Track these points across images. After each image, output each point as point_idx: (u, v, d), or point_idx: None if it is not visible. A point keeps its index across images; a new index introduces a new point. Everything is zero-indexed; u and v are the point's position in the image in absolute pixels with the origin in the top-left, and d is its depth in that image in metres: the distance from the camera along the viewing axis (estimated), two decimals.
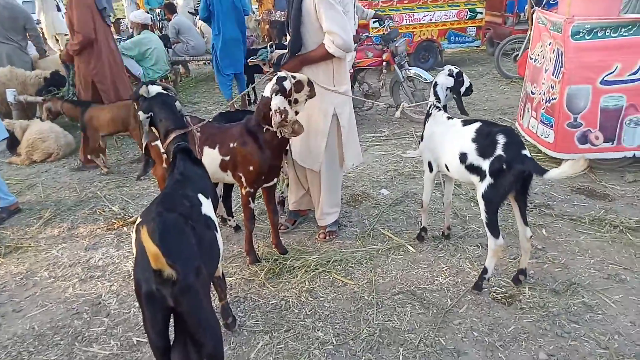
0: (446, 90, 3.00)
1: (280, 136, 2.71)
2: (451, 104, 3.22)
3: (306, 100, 2.78)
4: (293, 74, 2.71)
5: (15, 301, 2.85)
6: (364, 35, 5.61)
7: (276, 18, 10.05)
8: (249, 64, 6.48)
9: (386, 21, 5.82)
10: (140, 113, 2.12)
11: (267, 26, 10.56)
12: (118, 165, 5.03)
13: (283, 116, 2.58)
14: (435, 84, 3.02)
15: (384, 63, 5.61)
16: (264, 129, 2.76)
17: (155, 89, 2.19)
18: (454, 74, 3.00)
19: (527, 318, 2.46)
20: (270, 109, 2.61)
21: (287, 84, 2.64)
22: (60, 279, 3.04)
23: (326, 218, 3.34)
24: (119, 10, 17.02)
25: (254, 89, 7.06)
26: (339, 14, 2.85)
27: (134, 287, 1.56)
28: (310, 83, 2.74)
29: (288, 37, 3.15)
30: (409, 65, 5.77)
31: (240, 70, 6.46)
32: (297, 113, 2.75)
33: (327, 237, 3.33)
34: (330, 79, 3.05)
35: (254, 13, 11.60)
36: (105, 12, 4.76)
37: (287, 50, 3.05)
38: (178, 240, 1.53)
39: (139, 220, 1.68)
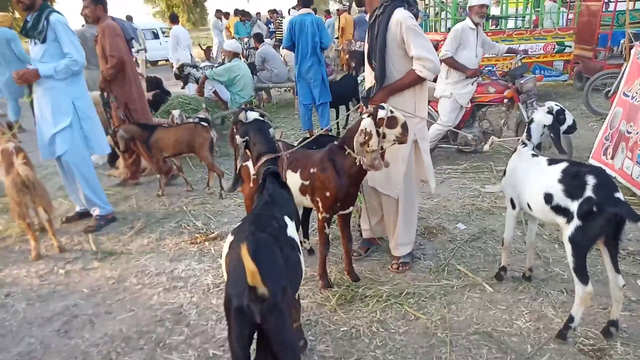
0: (543, 128, 2.89)
1: (358, 164, 2.77)
2: None
3: (394, 142, 2.78)
4: (393, 109, 2.74)
5: (107, 303, 3.10)
6: (486, 69, 5.29)
7: (356, 49, 10.29)
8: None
9: (518, 55, 5.56)
10: (237, 137, 2.27)
11: (347, 56, 10.83)
12: (203, 183, 5.33)
13: (366, 138, 2.65)
14: (532, 121, 2.93)
15: (505, 100, 5.25)
16: (346, 153, 2.83)
17: (253, 115, 2.35)
18: (554, 112, 2.87)
19: None
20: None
21: (381, 113, 2.69)
22: (147, 286, 3.27)
23: (400, 249, 3.31)
24: (208, 38, 18.30)
25: (347, 117, 7.22)
26: (426, 40, 2.95)
27: (224, 302, 1.65)
28: (405, 127, 2.73)
29: (367, 68, 3.22)
30: (538, 105, 5.44)
31: (322, 100, 6.40)
32: (382, 149, 2.79)
33: (400, 269, 3.30)
34: (413, 105, 3.08)
35: (334, 43, 11.94)
36: (131, 42, 5.09)
37: (373, 82, 3.09)
38: (269, 259, 1.61)
39: (231, 237, 1.78)
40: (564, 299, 2.88)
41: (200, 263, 3.54)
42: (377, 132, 2.70)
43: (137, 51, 8.81)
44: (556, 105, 2.90)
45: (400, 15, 2.89)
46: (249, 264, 1.38)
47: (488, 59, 7.98)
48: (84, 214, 4.39)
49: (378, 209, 3.42)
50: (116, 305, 3.08)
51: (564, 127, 2.89)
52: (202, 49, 12.38)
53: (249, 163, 2.45)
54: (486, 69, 5.35)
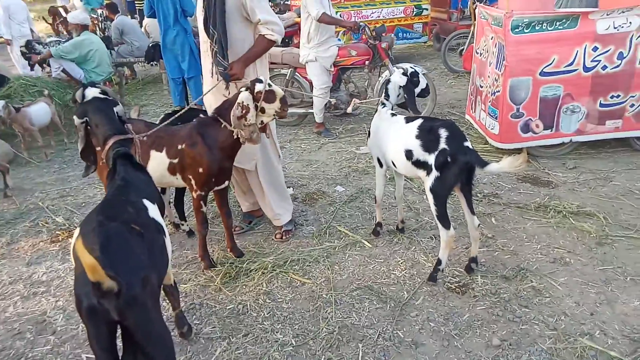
0: (399, 89, 3.02)
1: (235, 137, 2.66)
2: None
3: (274, 117, 2.75)
4: (270, 82, 2.66)
5: None
6: (362, 24, 5.22)
7: None
8: None
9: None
10: (75, 118, 2.01)
11: None
12: (61, 173, 4.78)
13: (243, 112, 2.57)
14: (388, 81, 3.04)
15: (366, 62, 5.35)
16: (221, 125, 2.70)
17: (91, 93, 2.08)
18: (408, 74, 3.01)
19: (480, 305, 2.54)
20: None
21: (258, 86, 2.61)
22: None
23: (280, 218, 3.31)
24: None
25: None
26: (267, 3, 2.93)
27: (75, 303, 1.47)
28: (284, 101, 2.68)
29: (201, 36, 3.03)
30: (395, 66, 5.44)
31: (192, 74, 5.96)
32: (262, 123, 2.72)
33: (284, 237, 3.30)
34: (255, 71, 3.02)
35: None
36: None
37: (215, 51, 2.90)
38: (121, 250, 1.45)
39: (77, 231, 1.58)
40: (433, 245, 3.12)
41: (64, 263, 3.18)
42: (255, 106, 2.62)
43: None
44: (411, 67, 3.06)
45: None
46: (86, 258, 1.23)
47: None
48: None
49: (244, 184, 3.36)
50: None
51: (417, 90, 3.05)
52: (47, 22, 10.92)
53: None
54: (362, 24, 5.23)
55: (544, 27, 3.91)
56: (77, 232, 1.59)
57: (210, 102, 3.08)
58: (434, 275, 2.73)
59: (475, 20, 5.35)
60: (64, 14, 11.20)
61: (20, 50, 7.29)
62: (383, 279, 2.82)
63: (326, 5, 4.96)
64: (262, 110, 2.67)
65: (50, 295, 2.86)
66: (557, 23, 3.87)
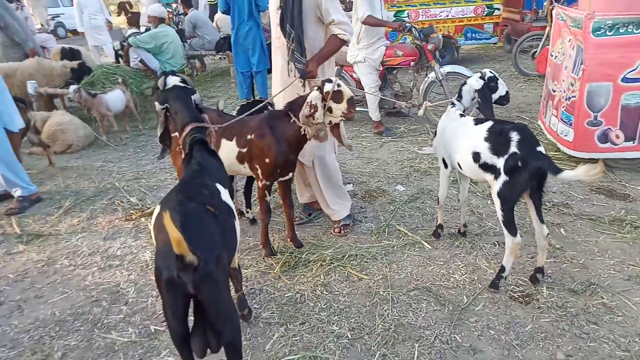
0: (474, 92, 2.94)
1: (302, 133, 2.73)
2: None
3: (342, 118, 2.76)
4: (341, 83, 2.69)
5: (37, 287, 2.91)
6: (407, 25, 5.10)
7: None
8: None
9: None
10: (156, 104, 2.14)
11: None
12: (135, 157, 5.08)
13: (312, 111, 2.63)
14: (464, 83, 2.99)
15: (412, 63, 5.28)
16: (291, 120, 2.78)
17: (172, 81, 2.21)
18: (485, 78, 2.90)
19: (544, 318, 2.44)
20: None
21: (327, 87, 2.65)
22: (79, 267, 3.10)
23: (338, 212, 3.34)
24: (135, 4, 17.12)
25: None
26: (339, 3, 2.98)
27: (154, 274, 1.58)
28: (351, 103, 2.69)
29: (274, 34, 3.10)
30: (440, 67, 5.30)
31: (261, 68, 6.11)
32: (330, 123, 2.77)
33: (342, 232, 3.34)
34: (321, 69, 3.07)
35: None
36: None
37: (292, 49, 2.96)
38: (198, 228, 1.54)
39: (158, 208, 1.69)
40: (496, 251, 3.04)
41: (136, 240, 3.39)
42: (324, 105, 2.67)
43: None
44: (490, 72, 2.93)
45: None
46: (173, 232, 1.32)
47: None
48: (4, 196, 4.06)
49: (306, 175, 3.42)
50: (47, 288, 2.90)
51: (495, 96, 2.93)
52: (124, 15, 11.57)
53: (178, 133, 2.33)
54: (408, 25, 5.11)
55: (629, 30, 3.68)
56: (157, 208, 1.70)
57: (279, 97, 3.16)
58: (496, 282, 2.66)
59: (551, 21, 5.11)
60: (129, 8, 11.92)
61: (115, 51, 7.89)
62: (442, 282, 2.79)
63: (376, 7, 4.91)
64: (330, 110, 2.71)
65: (124, 269, 3.06)
66: None
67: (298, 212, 3.61)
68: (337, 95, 2.67)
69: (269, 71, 6.70)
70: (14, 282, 2.97)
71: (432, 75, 5.23)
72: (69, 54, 6.80)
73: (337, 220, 3.37)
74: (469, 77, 4.64)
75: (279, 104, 3.12)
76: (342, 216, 3.36)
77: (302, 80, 3.00)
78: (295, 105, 2.80)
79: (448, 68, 5.25)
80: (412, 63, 5.31)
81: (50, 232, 3.56)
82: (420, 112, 3.26)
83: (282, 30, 2.96)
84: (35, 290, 2.88)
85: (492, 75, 2.92)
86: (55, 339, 2.47)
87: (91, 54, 8.11)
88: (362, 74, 5.24)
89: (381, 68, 5.28)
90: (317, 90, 2.67)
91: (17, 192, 3.92)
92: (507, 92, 2.96)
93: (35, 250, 3.33)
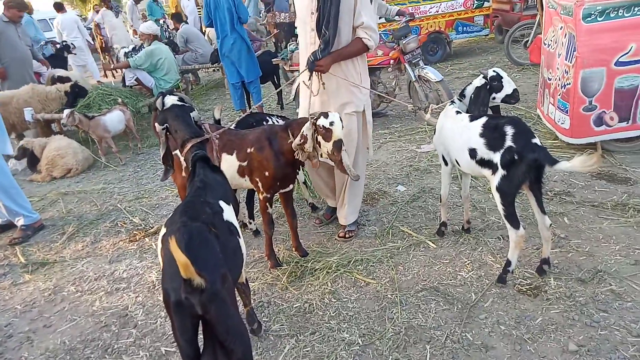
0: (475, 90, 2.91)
1: (296, 156, 2.75)
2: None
3: (327, 157, 2.72)
4: (336, 122, 2.62)
5: (45, 317, 2.91)
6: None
7: (281, 20, 10.06)
8: (273, 62, 6.48)
9: (404, 17, 5.44)
10: (157, 125, 2.15)
11: (275, 29, 10.57)
12: (135, 176, 5.10)
13: (302, 141, 2.63)
14: (469, 84, 2.97)
15: (392, 61, 5.35)
16: (289, 140, 2.77)
17: (170, 100, 2.23)
18: (488, 76, 2.87)
19: (554, 309, 2.43)
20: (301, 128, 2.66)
21: (320, 121, 2.61)
22: (87, 293, 3.10)
23: (348, 217, 3.35)
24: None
25: (279, 94, 7.05)
26: (372, 9, 2.90)
27: (162, 297, 1.58)
28: (337, 146, 2.62)
29: (305, 38, 3.06)
30: (424, 64, 5.36)
31: (251, 78, 6.21)
32: (321, 155, 2.73)
33: (347, 236, 3.34)
34: (358, 76, 3.07)
35: (261, 17, 11.59)
36: None
37: (320, 47, 2.91)
38: (203, 248, 1.55)
39: (163, 230, 1.70)
40: (501, 245, 3.03)
41: (142, 261, 3.40)
42: (315, 138, 2.65)
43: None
44: (494, 71, 2.88)
45: None
46: (180, 257, 1.32)
47: (383, 24, 7.97)
48: (7, 226, 4.07)
49: (332, 182, 3.41)
50: (55, 317, 2.90)
51: (500, 95, 2.89)
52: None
53: (179, 152, 2.34)
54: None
55: (620, 14, 3.67)
56: (163, 230, 1.70)
57: (301, 98, 3.20)
58: (503, 276, 2.65)
59: (542, 9, 5.10)
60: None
61: (124, 53, 8.05)
62: (449, 280, 2.78)
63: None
64: (319, 145, 2.69)
65: (131, 291, 3.07)
66: (636, 8, 3.62)
67: (321, 213, 3.69)
68: (326, 133, 2.61)
69: (262, 80, 6.80)
70: (22, 313, 2.97)
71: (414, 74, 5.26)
72: (59, 82, 6.83)
73: (344, 225, 3.38)
74: (437, 80, 4.56)
75: (302, 110, 3.21)
76: (350, 222, 3.36)
77: (309, 73, 2.95)
78: (295, 124, 2.80)
79: (424, 70, 5.20)
80: (391, 62, 5.34)
81: (55, 259, 3.57)
82: (428, 116, 3.24)
83: (318, 32, 2.89)
84: (44, 320, 2.88)
85: (494, 74, 2.87)
86: None
87: (84, 76, 8.20)
88: None
89: None
90: (313, 120, 2.64)
91: (20, 221, 3.93)
92: (514, 90, 2.88)
93: (42, 278, 3.34)
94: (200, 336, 1.63)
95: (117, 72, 7.97)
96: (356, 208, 3.37)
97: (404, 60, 5.28)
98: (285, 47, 8.04)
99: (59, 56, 8.17)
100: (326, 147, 2.65)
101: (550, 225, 2.62)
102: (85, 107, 5.88)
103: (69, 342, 2.66)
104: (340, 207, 3.36)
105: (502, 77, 2.88)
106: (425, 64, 5.35)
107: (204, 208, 1.80)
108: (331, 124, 2.60)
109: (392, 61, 5.36)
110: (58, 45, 8.36)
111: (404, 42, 5.19)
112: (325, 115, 2.63)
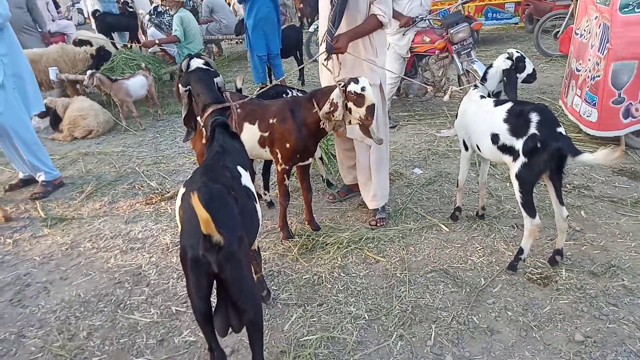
0: (501, 74, 2.87)
1: (322, 126, 2.73)
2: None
3: (358, 122, 2.66)
4: (366, 86, 2.57)
5: (62, 269, 3.00)
6: (416, 18, 4.78)
7: None
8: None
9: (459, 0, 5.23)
10: (180, 86, 2.16)
11: (300, 4, 10.46)
12: (154, 142, 5.15)
13: (331, 109, 2.61)
14: (490, 66, 2.93)
15: (437, 51, 4.94)
16: (314, 110, 2.76)
17: (195, 63, 2.22)
18: (513, 58, 2.85)
19: (563, 299, 2.43)
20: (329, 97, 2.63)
21: (351, 87, 2.57)
22: (102, 250, 3.18)
23: (378, 200, 3.25)
24: None
25: (301, 70, 6.99)
26: None
27: (179, 254, 1.61)
28: (370, 111, 2.58)
29: (323, 12, 3.02)
30: (474, 56, 4.94)
31: (276, 52, 6.16)
32: (350, 122, 2.70)
33: (378, 224, 3.25)
34: (374, 50, 3.01)
35: None
36: None
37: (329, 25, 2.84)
38: (223, 209, 1.57)
39: (183, 189, 1.72)
40: (514, 234, 3.01)
41: (157, 223, 3.46)
42: (345, 105, 2.62)
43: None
44: (517, 52, 2.87)
45: None
46: (202, 212, 1.34)
47: (442, 2, 7.94)
48: (29, 181, 4.17)
49: (352, 160, 3.39)
50: (71, 270, 2.99)
51: (523, 75, 2.88)
52: None
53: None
54: (419, 18, 4.76)
55: None
56: (182, 189, 1.73)
57: (322, 72, 3.17)
58: (514, 264, 2.65)
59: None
60: None
61: (149, 18, 8.00)
62: (459, 264, 2.78)
63: None
64: (350, 111, 2.65)
65: (145, 251, 3.13)
66: None
67: (336, 190, 3.68)
68: (358, 99, 2.58)
69: (285, 55, 6.75)
70: (40, 265, 3.06)
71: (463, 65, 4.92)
72: (80, 45, 6.87)
73: (373, 210, 3.31)
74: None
75: (323, 81, 3.18)
76: (380, 205, 3.27)
77: (327, 55, 2.87)
78: (319, 94, 2.78)
79: (473, 65, 4.86)
80: (437, 51, 4.96)
81: (73, 216, 3.65)
82: (446, 98, 3.20)
83: (331, 4, 2.82)
84: (60, 272, 2.97)
85: (519, 55, 2.86)
86: (80, 319, 2.55)
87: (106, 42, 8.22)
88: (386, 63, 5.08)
89: (409, 55, 5.01)
90: (342, 87, 2.61)
91: (41, 177, 4.02)
92: (534, 69, 2.91)
93: (60, 233, 3.42)
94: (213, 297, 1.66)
95: (144, 38, 7.90)
96: (384, 189, 3.27)
97: (452, 50, 4.87)
98: (311, 22, 7.92)
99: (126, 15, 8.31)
100: (358, 112, 2.61)
101: (567, 216, 2.59)
102: (109, 70, 5.92)
103: (84, 295, 2.74)
104: (367, 187, 3.28)
105: (524, 57, 2.87)
106: (475, 58, 4.96)
107: (224, 172, 1.82)
108: (362, 89, 2.57)
109: (437, 51, 4.96)
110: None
111: (452, 31, 4.80)
112: (356, 80, 2.59)
